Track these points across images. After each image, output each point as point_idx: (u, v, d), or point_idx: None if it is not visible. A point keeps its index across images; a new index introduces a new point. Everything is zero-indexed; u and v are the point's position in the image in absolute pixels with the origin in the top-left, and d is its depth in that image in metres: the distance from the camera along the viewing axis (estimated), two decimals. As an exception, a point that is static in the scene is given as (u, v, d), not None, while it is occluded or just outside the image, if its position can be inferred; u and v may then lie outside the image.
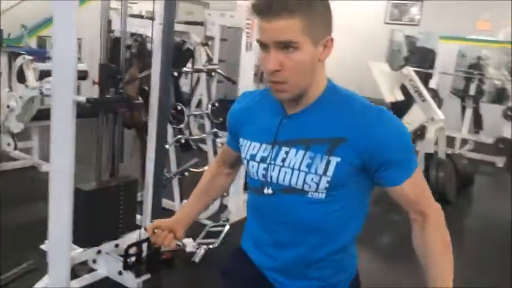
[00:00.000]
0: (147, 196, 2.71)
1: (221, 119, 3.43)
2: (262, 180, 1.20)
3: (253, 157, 1.21)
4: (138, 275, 2.59)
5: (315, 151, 1.11)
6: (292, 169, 1.14)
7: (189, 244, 3.15)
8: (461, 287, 1.11)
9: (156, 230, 1.35)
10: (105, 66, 2.56)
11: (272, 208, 1.21)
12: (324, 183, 1.11)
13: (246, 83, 3.50)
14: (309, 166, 1.12)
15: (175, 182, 3.23)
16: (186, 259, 3.02)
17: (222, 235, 3.29)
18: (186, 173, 3.19)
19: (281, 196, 1.18)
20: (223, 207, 3.62)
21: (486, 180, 5.80)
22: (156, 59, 2.58)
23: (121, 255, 2.63)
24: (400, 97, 4.75)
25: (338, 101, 1.15)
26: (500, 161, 6.36)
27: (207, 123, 3.45)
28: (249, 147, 1.23)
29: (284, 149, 1.16)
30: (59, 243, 2.43)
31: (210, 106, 3.39)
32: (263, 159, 1.19)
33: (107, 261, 2.74)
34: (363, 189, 1.18)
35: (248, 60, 3.48)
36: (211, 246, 3.17)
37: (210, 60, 3.49)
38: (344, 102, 1.15)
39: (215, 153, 3.50)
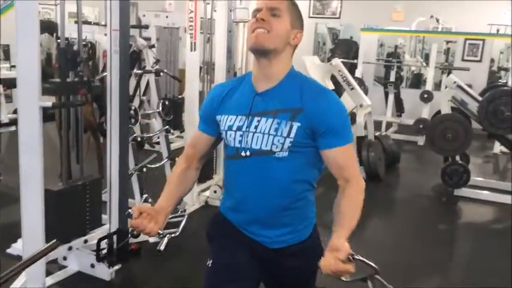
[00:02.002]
0: (112, 194, 2.88)
1: (171, 116, 3.65)
2: (237, 147, 1.48)
3: (230, 127, 1.49)
4: (110, 265, 2.78)
5: (281, 118, 1.43)
6: (263, 133, 1.44)
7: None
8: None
9: (140, 215, 1.39)
10: (63, 50, 2.66)
11: (247, 168, 1.48)
12: (287, 144, 1.42)
13: (193, 81, 3.73)
14: (276, 130, 1.43)
15: (134, 179, 3.40)
16: (151, 249, 3.22)
17: (182, 224, 3.50)
18: (144, 169, 3.38)
19: (254, 157, 1.46)
20: (179, 200, 3.84)
21: (410, 157, 6.43)
22: (113, 62, 2.76)
23: (93, 250, 2.80)
24: (331, 86, 5.17)
25: (298, 81, 1.49)
26: (420, 140, 7.05)
27: (159, 121, 3.64)
28: (227, 120, 1.51)
29: (256, 118, 1.46)
30: (33, 242, 2.56)
31: (160, 105, 3.58)
32: (239, 128, 1.48)
33: (77, 256, 2.89)
34: (317, 150, 1.48)
35: (193, 60, 3.70)
36: (173, 235, 3.38)
37: (157, 61, 3.68)
38: (302, 83, 1.48)
39: (168, 148, 3.70)
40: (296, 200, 1.52)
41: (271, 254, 1.54)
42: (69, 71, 2.69)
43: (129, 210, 1.41)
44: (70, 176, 3.03)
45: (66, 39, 2.90)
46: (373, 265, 1.27)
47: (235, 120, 1.49)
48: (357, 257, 1.25)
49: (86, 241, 2.91)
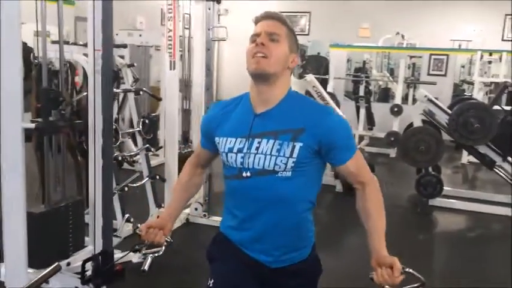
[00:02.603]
0: (96, 215, 2.84)
1: (152, 135, 3.64)
2: (239, 167, 1.51)
3: (230, 149, 1.52)
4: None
5: (282, 139, 1.46)
6: (265, 154, 1.47)
7: (135, 256, 3.30)
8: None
9: (148, 230, 1.60)
10: (46, 90, 2.65)
11: (249, 188, 1.50)
12: (290, 164, 1.45)
13: (172, 99, 3.73)
14: (278, 151, 1.46)
15: (115, 198, 3.36)
16: (135, 269, 3.17)
17: (165, 243, 3.47)
18: (126, 188, 3.35)
19: (256, 177, 1.49)
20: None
21: (383, 169, 6.57)
22: (94, 82, 2.74)
23: (76, 272, 2.74)
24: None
25: (297, 102, 1.53)
26: (392, 152, 7.24)
27: (139, 140, 3.62)
28: (226, 142, 1.53)
29: (257, 140, 1.48)
30: (16, 266, 2.49)
31: (140, 123, 3.57)
32: (240, 150, 1.50)
33: (60, 280, 2.81)
34: (318, 168, 1.54)
35: (172, 79, 3.70)
36: (156, 254, 3.35)
37: (136, 80, 3.67)
38: (302, 103, 1.53)
39: (149, 167, 3.68)
40: (298, 219, 1.55)
41: (271, 273, 1.57)
42: (51, 110, 2.67)
43: (138, 226, 1.59)
44: (48, 199, 2.98)
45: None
46: (421, 278, 1.40)
47: (235, 142, 1.51)
48: (407, 270, 1.39)
49: (68, 264, 2.84)
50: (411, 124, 5.26)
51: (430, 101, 4.74)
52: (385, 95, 9.66)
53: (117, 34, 6.16)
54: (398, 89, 7.34)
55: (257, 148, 1.48)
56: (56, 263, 1.24)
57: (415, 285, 1.41)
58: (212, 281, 1.56)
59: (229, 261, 1.59)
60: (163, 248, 3.53)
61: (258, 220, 1.52)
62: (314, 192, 1.58)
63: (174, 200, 1.75)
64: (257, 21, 1.52)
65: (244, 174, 1.50)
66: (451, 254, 4.03)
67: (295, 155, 1.45)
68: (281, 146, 1.45)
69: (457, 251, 4.05)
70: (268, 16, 1.51)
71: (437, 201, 4.85)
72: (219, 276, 1.58)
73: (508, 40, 8.79)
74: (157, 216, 1.74)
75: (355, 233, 4.35)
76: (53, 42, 3.10)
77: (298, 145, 1.45)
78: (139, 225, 1.65)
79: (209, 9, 3.74)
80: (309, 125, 1.46)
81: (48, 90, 2.67)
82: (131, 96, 3.57)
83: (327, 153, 1.49)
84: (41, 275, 1.27)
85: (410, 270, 1.39)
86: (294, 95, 1.55)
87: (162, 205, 3.79)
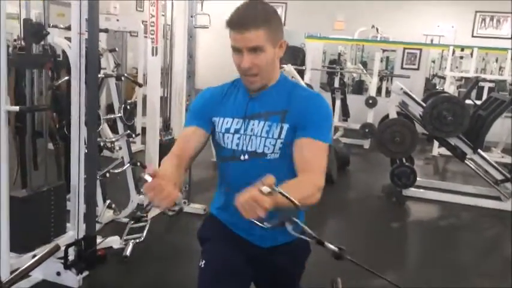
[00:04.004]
0: (78, 200, 2.82)
1: (133, 121, 3.61)
2: (234, 149, 1.54)
3: (227, 130, 1.55)
4: (79, 272, 2.71)
5: (271, 121, 1.50)
6: (257, 136, 1.51)
7: (116, 241, 3.30)
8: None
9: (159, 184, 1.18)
10: (28, 21, 2.58)
11: (243, 170, 1.53)
12: (278, 145, 1.50)
13: (154, 85, 3.72)
14: (267, 132, 1.50)
15: (97, 184, 3.33)
16: (117, 255, 3.18)
17: (145, 230, 3.48)
18: (107, 175, 3.32)
19: (250, 160, 1.52)
20: (140, 206, 3.80)
21: (358, 160, 6.70)
22: (78, 67, 2.71)
23: (59, 258, 2.72)
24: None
25: (287, 86, 1.57)
26: (366, 143, 7.38)
27: (120, 126, 3.60)
28: (223, 123, 1.56)
29: (251, 121, 1.52)
30: (-2, 251, 2.46)
31: (122, 109, 3.54)
32: (237, 131, 1.54)
33: (42, 265, 2.79)
34: None
35: (154, 65, 3.69)
36: (137, 240, 3.36)
37: (118, 65, 3.63)
38: (291, 87, 1.57)
39: (130, 153, 3.66)
40: None
41: (262, 253, 1.61)
42: (34, 43, 2.59)
43: (144, 175, 1.18)
44: (30, 183, 2.94)
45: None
46: (295, 201, 1.15)
47: (231, 122, 1.55)
48: (277, 189, 1.12)
49: (50, 249, 2.82)
50: (386, 116, 5.38)
51: (406, 93, 4.86)
52: (359, 87, 9.81)
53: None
54: (373, 82, 7.47)
55: (252, 130, 1.52)
56: (56, 242, 1.23)
57: (288, 214, 1.18)
58: (204, 261, 1.58)
59: (221, 241, 1.62)
60: (144, 234, 3.56)
61: None
62: None
63: (171, 171, 1.41)
64: (231, 27, 1.43)
65: (239, 157, 1.54)
66: (423, 242, 4.18)
67: (282, 136, 1.49)
68: (270, 127, 1.50)
69: (428, 238, 4.20)
70: (242, 26, 1.40)
71: (411, 191, 5.00)
72: (210, 256, 1.59)
73: (478, 36, 9.05)
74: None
75: (332, 218, 4.46)
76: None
77: (285, 126, 1.49)
78: (143, 175, 1.13)
79: (192, -4, 3.72)
80: (292, 107, 1.50)
81: (30, 21, 2.58)
82: (112, 81, 3.53)
83: (298, 129, 1.47)
84: (39, 256, 1.28)
85: (281, 190, 1.14)
86: (284, 79, 1.59)
87: (143, 191, 3.78)
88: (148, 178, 1.17)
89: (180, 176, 1.46)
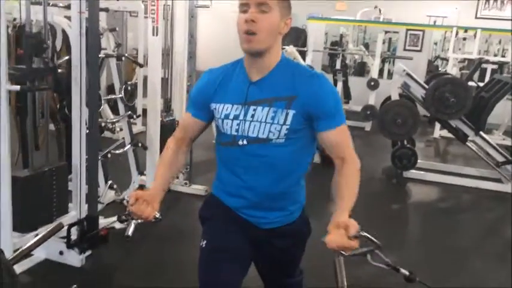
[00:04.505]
0: (80, 180, 2.83)
1: (134, 102, 3.60)
2: (234, 134, 1.52)
3: (227, 116, 1.52)
4: (82, 252, 2.74)
5: (276, 106, 1.47)
6: (260, 122, 1.48)
7: (118, 222, 3.31)
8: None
9: (136, 201, 1.46)
10: (29, 35, 2.57)
11: (244, 155, 1.52)
12: (284, 131, 1.47)
13: (155, 66, 3.68)
14: (272, 118, 1.47)
15: (98, 165, 3.34)
16: (118, 235, 3.19)
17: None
18: (109, 155, 3.32)
19: (251, 145, 1.51)
20: (142, 187, 3.81)
21: (359, 142, 6.69)
22: (78, 47, 2.69)
23: (61, 237, 2.74)
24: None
25: (289, 69, 1.52)
26: (367, 126, 7.36)
27: (121, 107, 3.58)
28: (223, 109, 1.53)
29: (252, 107, 1.49)
30: (1, 230, 2.48)
31: (123, 89, 3.52)
32: (236, 117, 1.51)
33: (45, 244, 2.80)
34: (311, 135, 1.55)
35: (155, 45, 3.64)
36: (139, 220, 3.37)
37: (118, 45, 3.60)
38: (294, 70, 1.52)
39: (131, 134, 3.66)
40: (291, 185, 1.58)
41: (262, 234, 1.61)
42: (35, 57, 2.59)
43: (125, 198, 1.47)
44: (32, 163, 2.94)
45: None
46: (376, 241, 1.34)
47: (231, 109, 1.52)
48: (362, 234, 1.31)
49: (52, 229, 2.84)
50: (388, 98, 5.36)
51: (408, 75, 4.83)
52: (361, 69, 9.74)
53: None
54: (375, 64, 7.41)
55: (252, 116, 1.49)
56: (59, 222, 1.24)
57: (369, 248, 1.35)
58: (205, 241, 1.59)
59: (222, 222, 1.62)
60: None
61: (252, 188, 1.55)
62: (307, 160, 1.61)
63: (159, 176, 1.60)
64: None
65: (239, 142, 1.52)
66: (423, 224, 4.20)
67: (288, 122, 1.46)
68: (275, 113, 1.47)
69: (428, 220, 4.21)
70: None
71: (411, 173, 5.00)
72: (211, 236, 1.61)
73: (482, 18, 8.96)
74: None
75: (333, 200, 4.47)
76: (33, 3, 2.99)
77: (291, 112, 1.46)
78: (126, 196, 1.50)
79: (193, -25, 3.67)
80: (300, 92, 1.47)
81: (32, 35, 2.58)
82: (113, 61, 3.50)
83: (315, 119, 1.48)
84: (43, 234, 1.28)
85: (365, 234, 1.33)
86: (286, 62, 1.55)
87: (144, 172, 3.79)
88: (131, 201, 1.48)
89: (177, 167, 1.67)
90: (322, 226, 1.29)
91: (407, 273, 1.34)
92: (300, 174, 1.60)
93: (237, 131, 1.51)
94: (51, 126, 3.34)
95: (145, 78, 6.31)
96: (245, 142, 1.51)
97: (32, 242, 1.18)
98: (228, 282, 1.53)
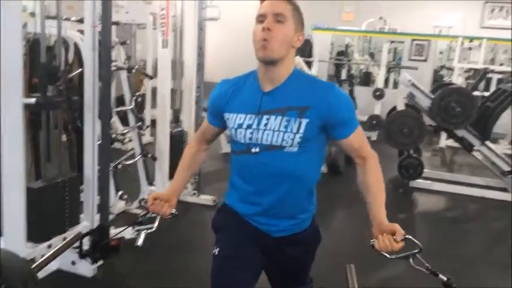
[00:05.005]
0: (92, 191, 2.88)
1: (143, 113, 3.66)
2: (248, 143, 1.57)
3: (240, 125, 1.58)
4: (94, 262, 2.78)
5: (289, 116, 1.53)
6: (273, 131, 1.54)
7: (128, 232, 3.36)
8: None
9: (154, 201, 1.70)
10: (45, 65, 2.64)
11: (257, 163, 1.58)
12: (297, 139, 1.53)
13: (165, 77, 3.76)
14: (286, 127, 1.53)
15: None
16: (128, 245, 3.24)
17: (157, 220, 3.54)
18: (119, 166, 3.38)
19: (264, 153, 1.56)
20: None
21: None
22: (91, 60, 2.76)
23: (74, 247, 2.78)
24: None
25: (302, 80, 1.58)
26: (374, 135, 7.40)
27: (131, 118, 3.64)
28: (236, 118, 1.60)
29: (265, 117, 1.55)
30: (15, 240, 2.52)
31: (133, 101, 3.59)
32: (249, 126, 1.57)
33: (57, 254, 2.87)
34: (322, 143, 1.62)
35: (165, 57, 3.72)
36: (149, 230, 3.41)
37: (129, 58, 3.68)
38: (306, 81, 1.59)
39: (141, 145, 3.72)
40: (303, 192, 1.64)
41: (274, 242, 1.66)
42: (49, 85, 2.67)
43: (145, 198, 1.64)
44: (40, 175, 2.99)
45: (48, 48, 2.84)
46: (419, 243, 1.44)
47: (244, 118, 1.58)
48: (407, 236, 1.43)
49: (64, 239, 2.88)
50: (394, 108, 5.40)
51: (414, 85, 4.87)
52: (367, 79, 9.79)
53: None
54: (380, 73, 7.46)
55: (265, 124, 1.54)
56: (78, 231, 1.29)
57: (415, 251, 1.46)
58: (218, 249, 1.65)
59: (234, 230, 1.67)
60: (156, 225, 3.62)
61: (264, 194, 1.60)
62: (318, 167, 1.67)
63: (178, 176, 1.80)
64: None
65: (252, 150, 1.57)
66: (429, 233, 4.21)
67: (301, 130, 1.52)
68: (288, 122, 1.52)
69: (435, 230, 4.23)
70: None
71: (418, 183, 5.03)
72: (223, 244, 1.66)
73: (487, 27, 9.00)
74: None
75: (340, 209, 4.50)
76: (48, 17, 3.07)
77: (304, 121, 1.52)
78: (145, 197, 1.69)
79: (202, -12, 3.75)
80: (314, 102, 1.52)
81: (46, 65, 2.67)
82: (124, 74, 3.57)
83: (331, 128, 1.56)
84: (63, 243, 1.33)
85: (410, 237, 1.44)
86: (298, 73, 1.60)
87: (154, 183, 3.84)
88: (149, 202, 1.71)
89: (198, 164, 1.86)
90: (329, 234, 1.35)
91: (445, 278, 1.48)
92: (311, 182, 1.66)
93: (250, 139, 1.57)
94: (63, 137, 3.41)
95: (153, 89, 6.41)
96: (258, 150, 1.56)
97: (53, 250, 1.24)
98: None
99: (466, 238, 4.00)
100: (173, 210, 1.73)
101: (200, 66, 3.92)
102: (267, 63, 1.54)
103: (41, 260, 1.13)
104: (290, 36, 1.52)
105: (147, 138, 5.75)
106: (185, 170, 1.81)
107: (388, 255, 1.43)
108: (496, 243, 4.08)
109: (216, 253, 1.64)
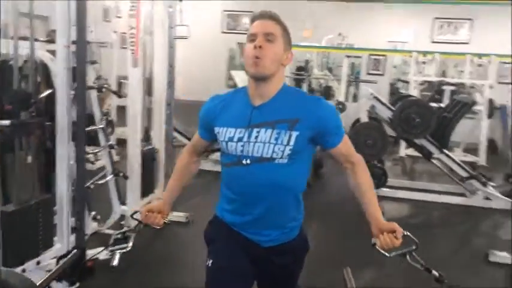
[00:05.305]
0: (64, 212, 2.84)
1: (112, 132, 3.64)
2: (239, 155, 1.63)
3: (231, 139, 1.64)
4: (71, 284, 2.73)
5: (279, 128, 1.60)
6: (264, 143, 1.60)
7: (102, 253, 3.31)
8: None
9: (147, 213, 1.78)
10: (18, 92, 2.62)
11: (248, 174, 1.63)
12: (287, 151, 1.60)
13: (136, 96, 3.75)
14: (276, 139, 1.59)
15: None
16: (103, 266, 3.19)
17: (132, 239, 3.50)
18: (92, 186, 3.34)
19: (255, 165, 1.62)
20: (122, 217, 3.83)
21: (330, 163, 6.84)
22: (63, 80, 2.75)
23: (48, 270, 2.72)
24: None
25: (290, 94, 1.67)
26: (337, 147, 7.57)
27: (102, 137, 3.62)
28: (226, 132, 1.66)
29: (255, 130, 1.61)
30: (-11, 266, 2.46)
31: (104, 120, 3.57)
32: (240, 139, 1.63)
33: (32, 278, 2.78)
34: (309, 154, 1.70)
35: (135, 76, 3.72)
36: (124, 250, 3.38)
37: (99, 77, 3.66)
38: (295, 95, 1.68)
39: (112, 164, 3.69)
40: (292, 203, 1.70)
41: (263, 252, 1.71)
42: (22, 111, 2.64)
43: (137, 211, 1.87)
44: (8, 198, 2.92)
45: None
46: (416, 240, 1.55)
47: (234, 132, 1.64)
48: (405, 233, 1.55)
49: (38, 262, 2.82)
50: (358, 120, 5.58)
51: (376, 98, 5.07)
52: (327, 93, 10.02)
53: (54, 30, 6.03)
54: (341, 87, 7.69)
55: (256, 137, 1.61)
56: (75, 251, 1.30)
57: (411, 248, 1.59)
58: (211, 261, 1.69)
59: (226, 242, 1.72)
60: (130, 244, 3.58)
61: (255, 205, 1.66)
62: (305, 177, 1.75)
63: (169, 187, 1.89)
64: (253, 20, 1.64)
65: (243, 162, 1.63)
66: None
67: (292, 143, 1.59)
68: (279, 134, 1.59)
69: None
70: (264, 16, 1.62)
71: (382, 191, 5.20)
72: (216, 256, 1.71)
73: (437, 42, 9.46)
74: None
75: (310, 221, 4.58)
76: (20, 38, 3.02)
77: (294, 134, 1.59)
78: (138, 210, 1.83)
79: (170, 7, 3.79)
80: (304, 115, 1.60)
81: (20, 91, 2.63)
82: (94, 93, 3.56)
83: (321, 138, 1.64)
84: (61, 263, 1.34)
85: (408, 234, 1.56)
86: (287, 89, 1.69)
87: (126, 202, 3.81)
88: (142, 216, 1.81)
89: (190, 174, 1.92)
90: (315, 243, 1.41)
91: (437, 274, 1.62)
92: (298, 191, 1.73)
93: (242, 151, 1.62)
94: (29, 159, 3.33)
95: (118, 108, 6.36)
96: (249, 161, 1.62)
97: (48, 275, 1.23)
98: None
99: (431, 242, 4.16)
100: (165, 220, 1.81)
101: (170, 84, 3.94)
102: (258, 79, 1.61)
103: (45, 278, 1.13)
104: (280, 54, 1.61)
105: (114, 157, 5.68)
106: (176, 180, 1.88)
107: (387, 254, 1.51)
108: (460, 246, 4.27)
109: (210, 265, 1.69)
